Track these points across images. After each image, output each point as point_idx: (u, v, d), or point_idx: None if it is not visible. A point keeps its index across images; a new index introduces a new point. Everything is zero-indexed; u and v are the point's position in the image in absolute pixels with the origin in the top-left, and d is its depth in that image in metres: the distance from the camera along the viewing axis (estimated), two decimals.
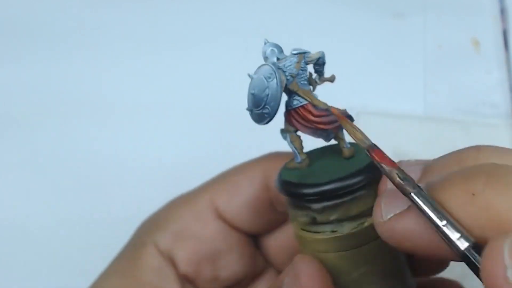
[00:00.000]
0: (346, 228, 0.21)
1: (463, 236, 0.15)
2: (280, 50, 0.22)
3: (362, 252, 0.21)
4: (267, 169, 0.27)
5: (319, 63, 0.22)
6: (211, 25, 0.47)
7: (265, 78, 0.22)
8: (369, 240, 0.21)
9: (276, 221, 0.28)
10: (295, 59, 0.22)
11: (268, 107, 0.21)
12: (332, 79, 0.23)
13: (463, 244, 0.15)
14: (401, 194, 0.17)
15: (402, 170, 0.17)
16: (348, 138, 0.22)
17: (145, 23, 0.47)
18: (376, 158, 0.18)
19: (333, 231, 0.21)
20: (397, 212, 0.18)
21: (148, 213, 0.29)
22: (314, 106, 0.22)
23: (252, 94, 0.22)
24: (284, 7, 0.47)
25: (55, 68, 0.44)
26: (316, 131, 0.22)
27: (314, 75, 0.23)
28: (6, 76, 0.44)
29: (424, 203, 0.16)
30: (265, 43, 0.22)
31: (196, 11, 0.48)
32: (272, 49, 0.22)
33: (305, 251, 0.23)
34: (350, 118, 0.21)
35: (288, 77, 0.22)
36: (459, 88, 0.43)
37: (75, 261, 0.36)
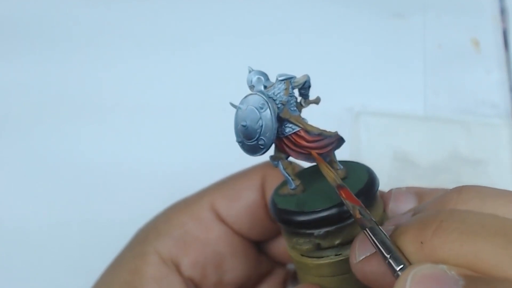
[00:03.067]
0: (339, 255, 0.21)
1: (404, 267, 0.17)
2: (266, 78, 0.22)
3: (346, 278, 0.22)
4: (265, 176, 0.27)
5: (305, 87, 0.22)
6: (212, 26, 0.47)
7: (257, 109, 0.21)
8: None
9: (272, 230, 0.28)
10: (282, 85, 0.21)
11: (264, 138, 0.21)
12: (317, 101, 0.23)
13: (398, 270, 0.17)
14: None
15: (364, 208, 0.19)
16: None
17: (145, 23, 0.47)
18: (343, 195, 0.19)
19: (337, 255, 0.21)
20: (367, 254, 0.19)
21: (148, 216, 0.29)
22: (307, 131, 0.22)
23: (244, 126, 0.21)
24: (284, 7, 0.47)
25: (55, 68, 0.44)
26: (310, 156, 0.22)
27: (299, 99, 0.23)
28: (5, 76, 0.44)
29: (375, 238, 0.18)
30: (249, 71, 0.22)
31: (197, 11, 0.47)
32: (258, 77, 0.22)
33: (307, 277, 0.23)
34: (342, 140, 0.22)
35: (279, 105, 0.21)
36: (459, 88, 0.43)
37: (74, 263, 0.36)
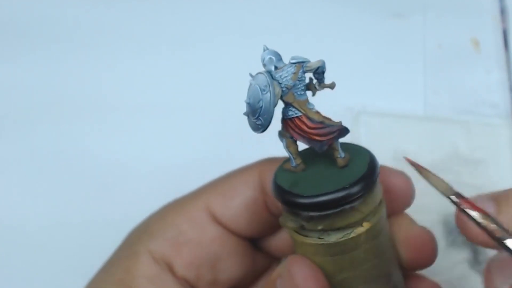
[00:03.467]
0: (332, 238, 0.22)
1: None
2: (279, 58, 0.22)
3: (347, 259, 0.22)
4: (262, 172, 0.27)
5: (319, 72, 0.22)
6: (212, 26, 0.47)
7: (260, 89, 0.21)
8: (355, 249, 0.22)
9: (273, 224, 0.28)
10: (292, 69, 0.22)
11: (262, 119, 0.21)
12: (332, 86, 0.23)
13: None
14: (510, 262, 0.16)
15: (494, 218, 0.16)
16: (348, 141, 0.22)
17: (145, 23, 0.47)
18: (465, 205, 0.18)
19: (320, 238, 0.22)
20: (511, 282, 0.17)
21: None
22: (309, 118, 0.22)
23: (248, 103, 0.22)
24: (284, 7, 0.47)
25: (55, 68, 0.44)
26: (311, 141, 0.22)
27: (315, 81, 0.23)
28: (5, 76, 0.44)
29: None
30: (264, 50, 0.22)
31: (197, 11, 0.47)
32: (270, 58, 0.22)
33: (297, 250, 0.23)
34: (346, 131, 0.22)
35: (284, 89, 0.22)
36: (459, 88, 0.43)
37: (74, 262, 0.36)
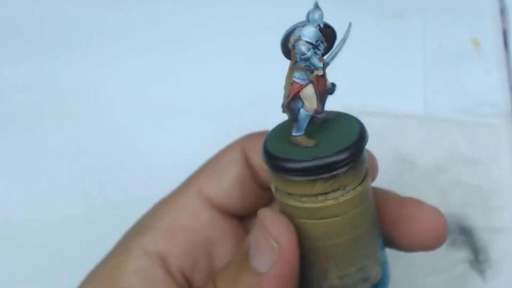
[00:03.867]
0: (306, 202, 0.22)
1: None
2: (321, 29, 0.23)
3: (323, 225, 0.22)
4: (245, 147, 0.27)
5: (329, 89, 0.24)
6: (213, 25, 0.47)
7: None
8: (331, 216, 0.22)
9: (263, 199, 0.28)
10: (320, 51, 0.23)
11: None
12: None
13: None
14: None
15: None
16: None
17: (146, 23, 0.47)
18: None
19: (294, 200, 0.22)
20: None
21: None
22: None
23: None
24: (284, 7, 0.47)
25: (55, 68, 0.44)
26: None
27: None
28: (6, 75, 0.44)
29: None
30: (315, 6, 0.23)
31: (197, 11, 0.48)
32: (320, 13, 0.23)
33: (278, 205, 0.24)
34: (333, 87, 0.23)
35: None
36: (459, 88, 0.43)
37: (75, 262, 0.36)
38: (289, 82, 0.22)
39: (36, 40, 0.46)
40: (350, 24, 0.23)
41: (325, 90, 0.22)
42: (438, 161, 0.39)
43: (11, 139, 0.42)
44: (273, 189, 0.23)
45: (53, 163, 0.40)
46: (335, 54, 0.22)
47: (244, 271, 0.22)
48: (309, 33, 0.22)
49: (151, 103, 0.43)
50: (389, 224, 0.25)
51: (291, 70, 0.23)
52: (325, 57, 0.23)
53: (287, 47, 0.23)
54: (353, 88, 0.42)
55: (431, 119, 0.41)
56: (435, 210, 0.24)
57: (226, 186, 0.27)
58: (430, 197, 0.35)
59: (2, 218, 0.38)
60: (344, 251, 0.23)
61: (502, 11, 0.46)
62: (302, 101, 0.22)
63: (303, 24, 0.23)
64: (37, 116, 0.42)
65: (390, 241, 0.25)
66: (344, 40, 0.22)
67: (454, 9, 0.47)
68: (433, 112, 0.42)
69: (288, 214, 0.23)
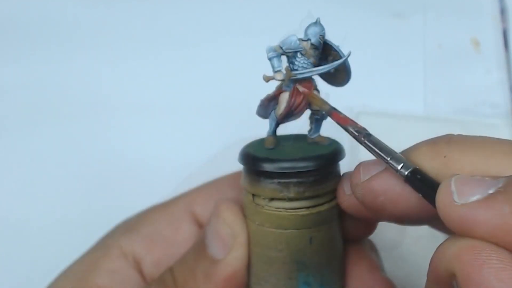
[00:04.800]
0: (254, 202, 0.23)
1: (405, 165, 0.19)
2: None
3: (279, 235, 0.23)
4: None
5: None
6: (213, 26, 0.47)
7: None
8: (286, 228, 0.22)
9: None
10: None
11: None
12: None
13: (405, 171, 0.19)
14: (377, 161, 0.20)
15: (356, 123, 0.21)
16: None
17: (146, 23, 0.47)
18: (334, 118, 0.21)
19: (267, 206, 0.23)
20: (373, 173, 0.20)
21: None
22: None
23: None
24: (284, 7, 0.47)
25: (56, 68, 0.44)
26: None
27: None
28: (6, 76, 0.44)
29: (374, 146, 0.20)
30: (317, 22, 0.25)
31: (197, 11, 0.47)
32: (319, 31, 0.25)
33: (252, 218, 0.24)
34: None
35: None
36: (459, 88, 0.43)
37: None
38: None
39: (36, 40, 0.46)
40: (349, 53, 0.23)
41: (301, 105, 0.23)
42: None
43: (10, 139, 0.42)
44: (244, 197, 0.24)
45: (53, 163, 0.40)
46: (312, 72, 0.23)
47: (201, 259, 0.23)
48: (286, 40, 0.23)
49: (151, 104, 0.43)
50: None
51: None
52: (301, 71, 0.23)
53: None
54: (353, 88, 0.41)
55: (431, 119, 0.41)
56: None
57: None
58: None
59: (1, 218, 0.38)
60: (257, 264, 0.23)
61: (502, 11, 0.46)
62: (277, 104, 0.23)
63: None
64: (37, 116, 0.42)
65: None
66: (331, 66, 0.23)
67: (454, 9, 0.47)
68: (433, 112, 0.42)
69: (244, 213, 0.24)
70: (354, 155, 0.38)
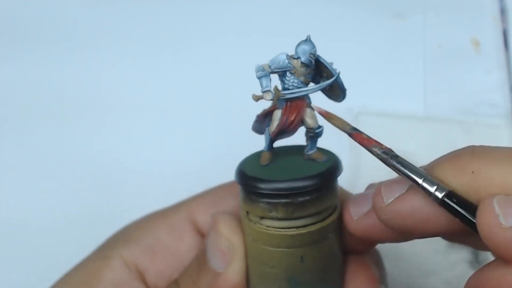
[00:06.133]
0: (250, 221, 0.23)
1: (439, 187, 0.18)
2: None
3: (282, 253, 0.22)
4: None
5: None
6: (212, 26, 0.47)
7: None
8: (289, 247, 0.22)
9: None
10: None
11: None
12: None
13: (440, 194, 0.18)
14: (398, 181, 0.20)
15: (380, 144, 0.20)
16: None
17: (145, 23, 0.47)
18: (357, 139, 0.21)
19: (267, 227, 0.23)
20: (397, 195, 0.19)
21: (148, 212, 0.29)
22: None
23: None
24: (284, 7, 0.47)
25: (55, 68, 0.44)
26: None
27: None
28: (5, 76, 0.44)
29: (404, 167, 0.19)
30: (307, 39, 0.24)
31: (197, 11, 0.47)
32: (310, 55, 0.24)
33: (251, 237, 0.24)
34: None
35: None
36: (459, 88, 0.43)
37: (73, 263, 0.36)
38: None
39: (35, 40, 0.46)
40: (338, 72, 0.23)
41: (294, 123, 0.23)
42: None
43: (10, 138, 0.42)
44: (240, 211, 0.24)
45: (52, 163, 0.40)
46: (300, 92, 0.23)
47: (204, 272, 0.23)
48: (275, 58, 0.23)
49: (151, 104, 0.43)
50: None
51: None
52: (290, 90, 0.23)
53: None
54: (353, 88, 0.41)
55: (431, 119, 0.41)
56: None
57: None
58: None
59: (1, 218, 0.38)
60: (253, 277, 0.23)
61: (502, 11, 0.46)
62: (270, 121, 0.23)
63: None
64: (36, 116, 0.42)
65: None
66: (320, 87, 0.23)
67: (454, 9, 0.47)
68: (433, 112, 0.42)
69: (244, 231, 0.23)
70: (356, 158, 0.38)
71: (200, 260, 0.24)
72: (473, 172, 0.18)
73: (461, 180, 0.18)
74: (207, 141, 0.41)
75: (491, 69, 0.44)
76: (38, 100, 0.43)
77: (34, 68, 0.44)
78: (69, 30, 0.46)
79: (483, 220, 0.16)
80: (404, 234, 0.20)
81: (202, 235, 0.27)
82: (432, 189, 0.18)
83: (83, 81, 0.44)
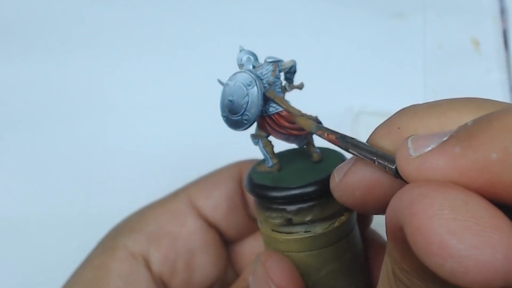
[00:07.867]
0: (319, 229, 0.22)
1: (391, 161, 0.17)
2: (256, 58, 0.23)
3: (331, 250, 0.23)
4: (242, 169, 0.28)
5: (291, 71, 0.23)
6: (212, 26, 0.47)
7: (244, 86, 0.22)
8: (338, 239, 0.23)
9: (248, 226, 0.28)
10: (270, 67, 0.22)
11: (248, 113, 0.22)
12: (300, 87, 0.23)
13: (393, 165, 0.17)
14: (347, 161, 0.20)
15: (340, 134, 0.20)
16: (319, 143, 0.23)
17: (146, 23, 0.47)
18: (319, 133, 0.21)
19: (306, 231, 0.22)
20: (344, 172, 0.19)
21: None
22: (289, 112, 0.22)
23: (230, 101, 0.22)
24: (283, 6, 0.47)
25: (55, 67, 0.44)
26: (289, 137, 0.23)
27: (284, 83, 0.23)
28: (6, 76, 0.44)
29: (357, 151, 0.19)
30: (240, 50, 0.23)
31: (197, 11, 0.47)
32: (248, 57, 0.23)
33: (279, 250, 0.23)
34: (321, 124, 0.23)
35: (265, 85, 0.22)
36: (459, 88, 0.43)
37: (72, 263, 0.36)
38: None
39: (36, 40, 0.46)
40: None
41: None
42: None
43: (10, 138, 0.42)
44: (267, 232, 0.23)
45: (53, 162, 0.40)
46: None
47: None
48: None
49: (151, 103, 0.43)
50: None
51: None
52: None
53: None
54: (353, 88, 0.42)
55: None
56: None
57: (215, 198, 0.27)
58: None
59: (1, 218, 0.38)
60: (340, 275, 0.23)
61: (502, 11, 0.46)
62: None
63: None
64: (36, 115, 0.42)
65: None
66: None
67: (454, 9, 0.47)
68: None
69: (289, 250, 0.23)
70: None
71: None
72: (399, 128, 0.18)
73: (390, 138, 0.18)
74: (207, 141, 0.41)
75: (491, 69, 0.43)
76: (38, 100, 0.43)
77: (33, 68, 0.44)
78: (69, 30, 0.46)
79: (398, 156, 0.16)
80: (360, 207, 0.19)
81: (203, 218, 0.28)
82: (386, 164, 0.18)
83: (83, 80, 0.44)
